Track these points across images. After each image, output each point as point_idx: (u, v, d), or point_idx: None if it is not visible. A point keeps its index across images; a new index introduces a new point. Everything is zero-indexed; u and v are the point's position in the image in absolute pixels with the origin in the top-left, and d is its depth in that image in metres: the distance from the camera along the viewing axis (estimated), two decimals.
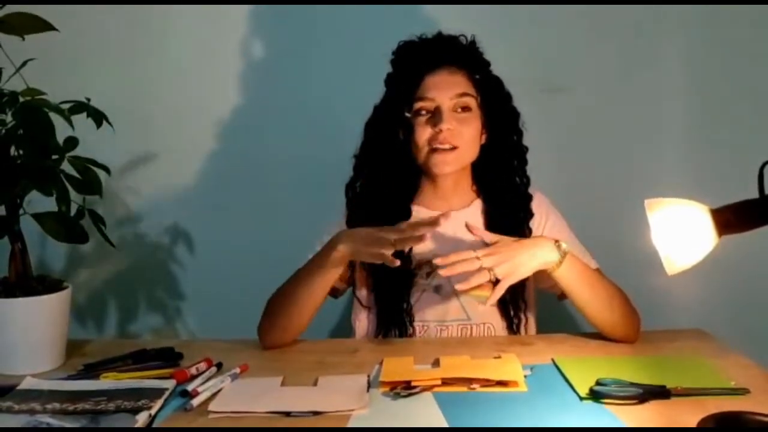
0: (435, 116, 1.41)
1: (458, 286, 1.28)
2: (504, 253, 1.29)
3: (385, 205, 1.47)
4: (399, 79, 1.46)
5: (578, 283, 1.34)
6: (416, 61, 1.44)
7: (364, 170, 1.50)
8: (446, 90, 1.42)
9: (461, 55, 1.45)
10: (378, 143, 1.48)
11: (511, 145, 1.49)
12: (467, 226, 1.36)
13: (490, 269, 1.27)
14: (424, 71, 1.43)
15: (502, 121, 1.48)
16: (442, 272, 1.28)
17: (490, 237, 1.35)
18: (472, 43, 1.48)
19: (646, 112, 1.87)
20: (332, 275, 1.36)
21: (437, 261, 1.28)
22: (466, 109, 1.43)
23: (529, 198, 1.50)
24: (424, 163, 1.45)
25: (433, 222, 1.27)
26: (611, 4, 1.81)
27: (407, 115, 1.43)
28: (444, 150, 1.41)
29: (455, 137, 1.41)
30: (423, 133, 1.42)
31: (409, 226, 1.29)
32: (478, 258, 1.27)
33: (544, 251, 1.31)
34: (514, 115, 1.49)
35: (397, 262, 1.25)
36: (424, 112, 1.43)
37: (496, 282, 1.31)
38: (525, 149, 1.50)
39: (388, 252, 1.25)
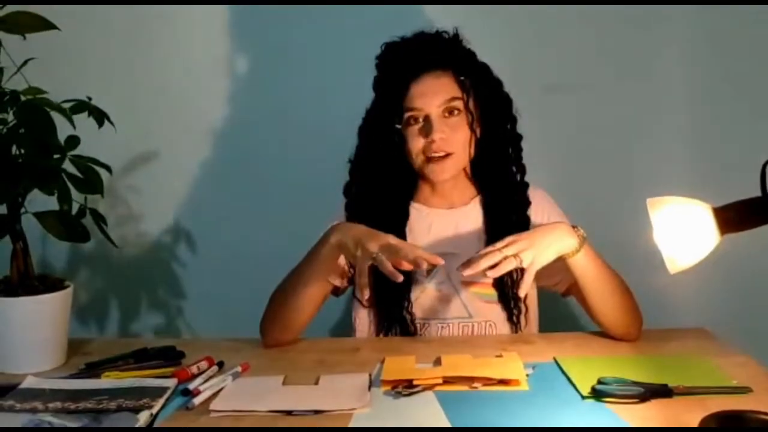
0: (426, 125, 1.41)
1: (490, 273, 1.24)
2: (524, 241, 1.27)
3: (384, 205, 1.47)
4: (385, 87, 1.46)
5: (592, 271, 1.33)
6: (400, 67, 1.43)
7: (361, 174, 1.50)
8: (433, 97, 1.41)
9: (445, 56, 1.44)
10: (372, 148, 1.48)
11: (506, 132, 1.49)
12: (463, 268, 1.27)
13: (515, 256, 1.25)
14: (409, 79, 1.42)
15: (495, 108, 1.47)
16: (465, 272, 1.25)
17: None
18: (455, 38, 1.46)
19: (648, 110, 1.86)
20: (327, 268, 1.35)
21: (463, 273, 1.25)
22: (455, 112, 1.42)
23: (526, 186, 1.50)
24: (420, 171, 1.46)
25: (431, 260, 1.23)
26: (611, 3, 1.80)
27: (397, 126, 1.43)
28: (439, 158, 1.42)
29: (448, 145, 1.41)
30: (416, 144, 1.43)
31: (404, 250, 1.23)
32: (499, 250, 1.25)
33: (563, 236, 1.30)
34: (507, 101, 1.49)
35: (400, 278, 1.21)
36: (413, 121, 1.42)
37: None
38: (519, 137, 1.49)
39: (365, 262, 1.23)
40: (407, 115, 1.42)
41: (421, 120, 1.42)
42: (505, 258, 1.25)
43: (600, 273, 1.34)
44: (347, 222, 1.42)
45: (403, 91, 1.42)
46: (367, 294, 1.25)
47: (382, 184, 1.48)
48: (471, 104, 1.43)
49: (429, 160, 1.43)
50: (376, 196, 1.48)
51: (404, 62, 1.43)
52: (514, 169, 1.50)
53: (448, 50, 1.45)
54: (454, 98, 1.42)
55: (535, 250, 1.27)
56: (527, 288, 1.28)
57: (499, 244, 1.27)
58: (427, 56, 1.43)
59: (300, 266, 1.38)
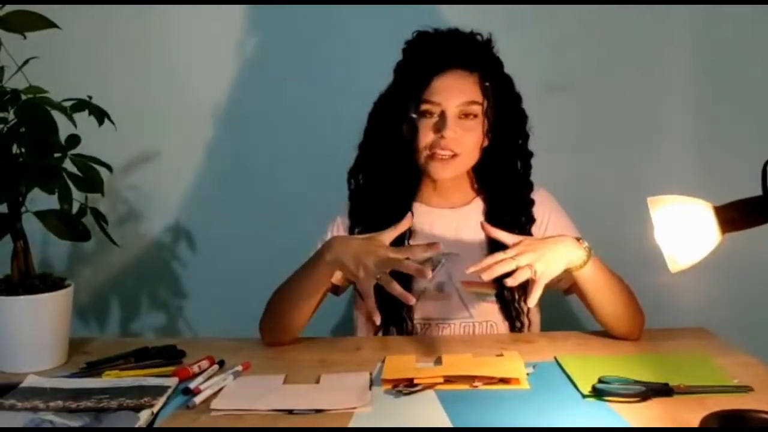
0: (440, 122, 1.40)
1: (509, 281, 1.22)
2: (535, 251, 1.25)
3: (385, 200, 1.47)
4: (407, 74, 1.44)
5: (598, 282, 1.33)
6: (427, 59, 1.42)
7: (367, 160, 1.49)
8: (453, 96, 1.40)
9: (473, 58, 1.43)
10: (381, 135, 1.47)
11: (516, 148, 1.48)
12: (482, 226, 1.32)
13: (529, 266, 1.23)
14: (433, 72, 1.40)
15: (509, 123, 1.46)
16: (484, 276, 1.22)
17: (510, 237, 1.30)
18: (487, 43, 1.45)
19: (649, 109, 1.87)
20: (323, 281, 1.36)
21: (470, 270, 1.24)
22: (471, 116, 1.41)
23: (531, 203, 1.49)
24: (423, 166, 1.45)
25: (428, 249, 1.26)
26: (613, 3, 1.80)
27: (413, 115, 1.41)
28: (443, 158, 1.41)
29: (456, 145, 1.40)
30: (426, 137, 1.41)
31: (404, 251, 1.26)
32: (512, 258, 1.23)
33: (571, 250, 1.28)
34: (522, 118, 1.48)
35: (412, 300, 1.23)
36: (428, 114, 1.41)
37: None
38: (530, 154, 1.49)
39: (370, 283, 1.23)
40: (424, 107, 1.41)
41: (436, 115, 1.41)
42: (519, 268, 1.23)
43: (605, 282, 1.34)
44: (340, 237, 1.40)
45: (424, 81, 1.40)
46: (378, 318, 1.25)
47: (386, 175, 1.47)
48: (489, 111, 1.42)
49: (433, 156, 1.41)
50: (378, 189, 1.47)
51: (432, 53, 1.42)
52: (520, 183, 1.49)
53: (479, 53, 1.44)
54: (473, 102, 1.41)
55: (545, 262, 1.24)
56: (536, 299, 1.25)
57: (510, 252, 1.25)
58: (457, 53, 1.42)
59: (295, 279, 1.38)
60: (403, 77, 1.45)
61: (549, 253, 1.26)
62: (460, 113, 1.41)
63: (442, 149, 1.40)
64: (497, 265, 1.23)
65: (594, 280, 1.33)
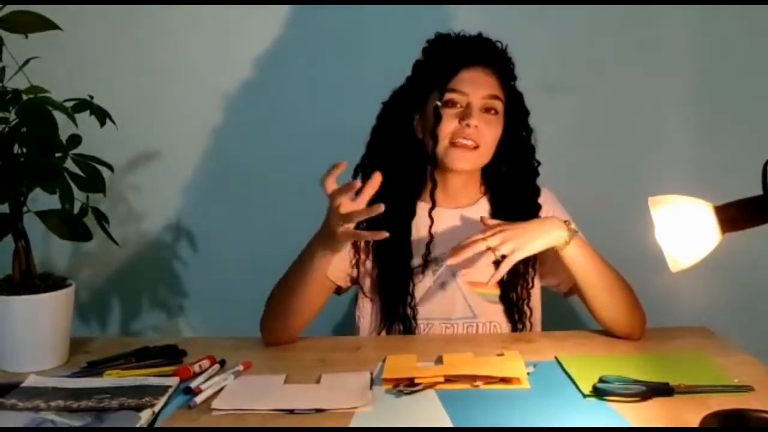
0: (464, 111, 1.41)
1: (463, 277, 1.30)
2: (509, 231, 1.30)
3: (390, 196, 1.46)
4: (432, 67, 1.45)
5: (585, 264, 1.34)
6: (455, 52, 1.44)
7: (373, 159, 1.49)
8: (480, 88, 1.42)
9: (498, 59, 1.46)
10: (392, 130, 1.47)
11: (523, 160, 1.50)
12: (482, 220, 1.37)
13: (494, 249, 1.28)
14: (462, 64, 1.42)
15: (518, 136, 1.49)
16: (449, 261, 1.31)
17: (492, 222, 1.37)
18: (505, 52, 1.48)
19: (649, 109, 1.86)
20: (318, 266, 1.35)
21: (447, 254, 1.31)
22: (493, 111, 1.43)
23: (538, 207, 1.50)
24: (442, 156, 1.43)
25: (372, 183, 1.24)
26: (613, 3, 1.80)
27: (438, 103, 1.42)
28: (465, 147, 1.41)
29: (479, 136, 1.41)
30: (448, 125, 1.41)
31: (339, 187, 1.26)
32: (484, 239, 1.29)
33: (553, 229, 1.32)
34: (529, 132, 1.50)
35: (382, 235, 1.20)
36: (453, 104, 1.42)
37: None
38: (533, 148, 1.50)
39: (351, 226, 1.22)
40: (449, 96, 1.41)
41: (460, 105, 1.42)
42: (486, 250, 1.29)
43: (594, 267, 1.35)
44: (320, 229, 1.38)
45: (453, 71, 1.42)
46: (384, 234, 1.21)
47: (393, 172, 1.47)
48: (505, 111, 1.45)
49: (454, 145, 1.41)
50: (384, 186, 1.47)
51: (460, 48, 1.44)
52: (526, 183, 1.51)
53: (502, 56, 1.47)
54: (497, 96, 1.43)
55: (517, 242, 1.29)
56: (497, 278, 1.31)
57: (489, 232, 1.30)
58: (483, 51, 1.44)
59: (292, 270, 1.38)
60: (427, 69, 1.46)
61: (523, 234, 1.30)
62: (483, 106, 1.42)
63: (464, 138, 1.41)
64: (467, 247, 1.29)
65: (580, 262, 1.34)
